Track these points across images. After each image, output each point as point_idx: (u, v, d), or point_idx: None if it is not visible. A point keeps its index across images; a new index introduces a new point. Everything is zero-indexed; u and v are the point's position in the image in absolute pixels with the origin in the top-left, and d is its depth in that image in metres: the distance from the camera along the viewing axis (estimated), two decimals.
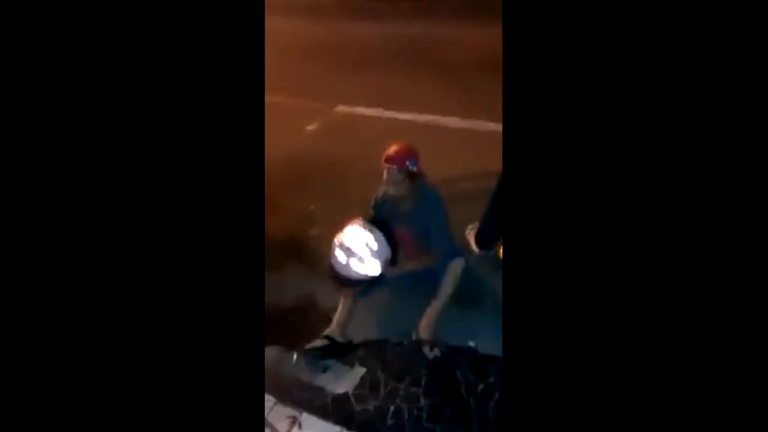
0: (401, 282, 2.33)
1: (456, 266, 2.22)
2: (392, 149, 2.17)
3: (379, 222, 2.16)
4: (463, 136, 3.75)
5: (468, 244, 2.61)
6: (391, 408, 1.90)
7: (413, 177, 2.17)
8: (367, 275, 2.11)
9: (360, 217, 2.16)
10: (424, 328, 2.13)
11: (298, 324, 2.31)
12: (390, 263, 2.15)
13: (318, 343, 2.15)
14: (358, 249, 2.07)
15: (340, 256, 2.09)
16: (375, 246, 2.09)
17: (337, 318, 2.20)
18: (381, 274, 2.13)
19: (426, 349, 2.09)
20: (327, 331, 2.18)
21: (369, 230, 2.11)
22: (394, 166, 2.15)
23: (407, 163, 2.14)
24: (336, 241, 2.12)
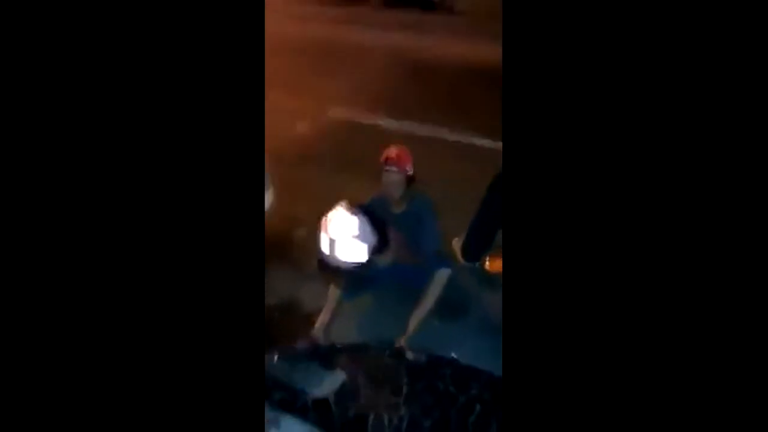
0: (386, 288, 2.33)
1: (441, 276, 2.22)
2: (393, 151, 2.18)
3: (364, 207, 2.03)
4: (452, 147, 3.78)
5: (454, 254, 2.62)
6: (371, 415, 1.88)
7: (410, 181, 2.17)
8: (354, 262, 1.96)
9: (344, 201, 2.02)
10: (406, 337, 2.13)
11: (280, 324, 2.29)
12: (377, 250, 1.99)
13: (300, 344, 2.13)
14: (344, 234, 1.94)
15: (324, 242, 1.95)
16: (360, 231, 1.94)
17: (320, 320, 2.19)
18: (369, 261, 1.98)
19: (409, 354, 2.08)
20: (310, 333, 2.16)
21: (354, 214, 1.95)
22: (395, 168, 2.15)
23: (407, 167, 2.15)
24: (321, 227, 1.98)
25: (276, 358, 2.10)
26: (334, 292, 2.22)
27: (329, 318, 2.20)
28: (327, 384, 2.01)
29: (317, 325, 2.19)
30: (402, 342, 2.13)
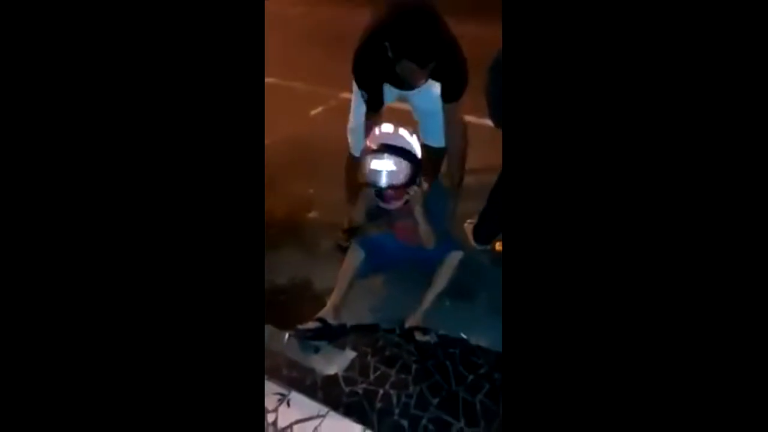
0: (398, 270, 2.36)
1: (453, 258, 2.23)
2: None
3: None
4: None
5: (466, 237, 2.62)
6: (380, 392, 1.91)
7: None
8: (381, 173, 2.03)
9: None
10: (416, 317, 2.15)
11: (291, 304, 2.32)
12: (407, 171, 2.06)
13: (310, 324, 2.15)
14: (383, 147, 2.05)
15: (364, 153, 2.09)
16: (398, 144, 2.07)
17: (331, 301, 2.21)
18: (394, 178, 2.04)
19: (419, 334, 2.10)
20: (320, 313, 2.18)
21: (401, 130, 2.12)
22: None
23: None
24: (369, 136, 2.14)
25: (287, 337, 2.14)
26: (345, 273, 2.25)
27: (340, 299, 2.22)
28: (337, 362, 2.04)
29: (328, 305, 2.21)
30: (412, 322, 2.14)
